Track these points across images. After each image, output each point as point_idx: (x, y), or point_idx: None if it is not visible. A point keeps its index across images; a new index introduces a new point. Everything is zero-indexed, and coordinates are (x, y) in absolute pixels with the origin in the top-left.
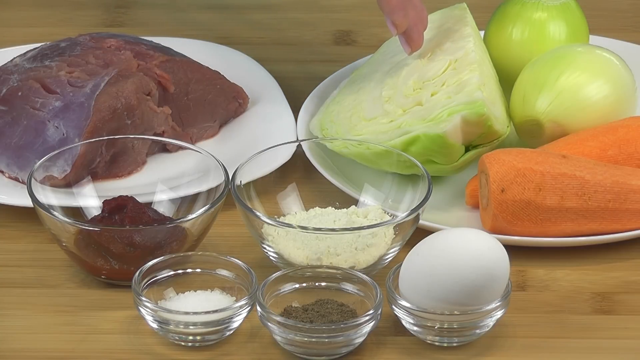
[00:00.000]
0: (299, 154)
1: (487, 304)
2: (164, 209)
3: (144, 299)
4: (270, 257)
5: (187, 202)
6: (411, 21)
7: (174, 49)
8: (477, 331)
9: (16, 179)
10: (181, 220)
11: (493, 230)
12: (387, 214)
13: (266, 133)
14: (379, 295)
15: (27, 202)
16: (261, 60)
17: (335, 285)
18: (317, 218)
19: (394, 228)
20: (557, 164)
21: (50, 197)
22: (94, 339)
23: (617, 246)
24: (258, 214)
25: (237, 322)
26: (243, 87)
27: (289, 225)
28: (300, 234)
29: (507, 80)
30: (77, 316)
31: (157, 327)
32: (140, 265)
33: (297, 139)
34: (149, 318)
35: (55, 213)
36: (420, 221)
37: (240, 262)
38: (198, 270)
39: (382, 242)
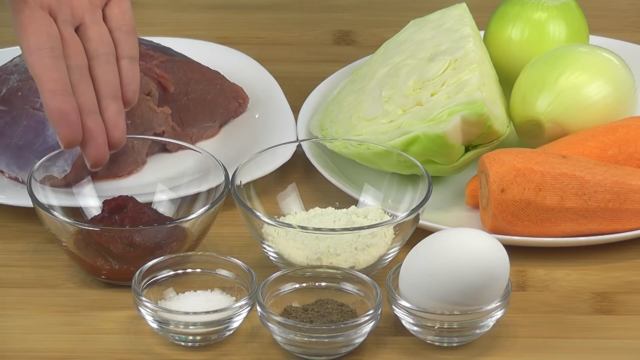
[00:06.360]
0: (299, 154)
1: (487, 304)
2: (164, 209)
3: (144, 299)
4: (270, 257)
5: (187, 202)
6: (87, 134)
7: (174, 49)
8: (477, 331)
9: (16, 179)
10: (181, 220)
11: (493, 230)
12: (387, 214)
13: (266, 133)
14: (379, 295)
15: (27, 202)
16: (261, 60)
17: (335, 285)
18: (317, 218)
19: (394, 228)
20: (557, 164)
21: (50, 197)
22: (94, 339)
23: (617, 246)
24: (258, 214)
25: (237, 322)
26: (243, 87)
27: (289, 225)
28: (300, 234)
29: (507, 80)
30: (77, 316)
31: (157, 327)
32: (140, 265)
33: (297, 139)
34: (149, 318)
35: (55, 213)
36: (420, 221)
37: (240, 262)
38: (198, 270)
39: (382, 242)
